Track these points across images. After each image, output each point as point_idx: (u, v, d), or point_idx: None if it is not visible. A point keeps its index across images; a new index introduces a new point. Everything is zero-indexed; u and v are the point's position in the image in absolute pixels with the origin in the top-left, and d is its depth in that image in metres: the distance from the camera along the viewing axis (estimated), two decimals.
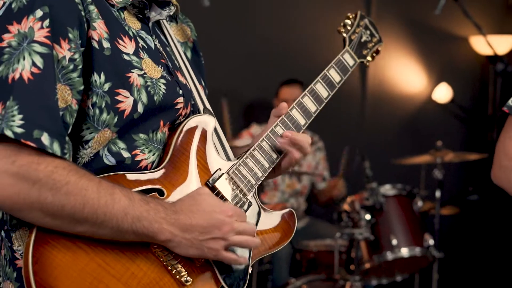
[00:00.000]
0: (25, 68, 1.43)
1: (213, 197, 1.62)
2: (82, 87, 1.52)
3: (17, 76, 1.43)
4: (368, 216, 4.37)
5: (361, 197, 4.50)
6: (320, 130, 5.24)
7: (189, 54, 1.96)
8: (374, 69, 6.10)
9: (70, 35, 1.50)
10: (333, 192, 5.07)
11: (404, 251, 4.37)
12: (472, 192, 5.32)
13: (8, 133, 1.39)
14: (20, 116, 1.40)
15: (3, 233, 1.60)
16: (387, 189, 4.54)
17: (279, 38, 5.67)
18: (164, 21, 1.84)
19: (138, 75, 1.60)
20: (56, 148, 1.44)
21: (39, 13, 1.47)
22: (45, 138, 1.42)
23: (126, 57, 1.60)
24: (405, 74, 6.36)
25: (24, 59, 1.44)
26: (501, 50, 6.27)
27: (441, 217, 4.93)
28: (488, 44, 5.20)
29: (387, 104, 6.28)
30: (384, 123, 6.24)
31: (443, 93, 6.35)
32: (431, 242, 4.41)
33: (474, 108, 6.73)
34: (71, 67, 1.50)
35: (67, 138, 1.48)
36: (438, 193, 4.81)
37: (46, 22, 1.47)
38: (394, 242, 4.36)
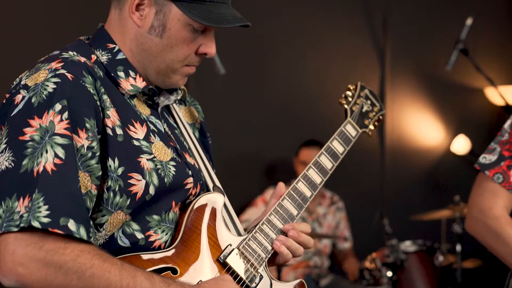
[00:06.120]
0: (48, 160, 1.51)
1: (234, 284, 1.70)
2: (100, 173, 1.60)
3: (41, 169, 1.51)
4: (389, 273, 4.42)
5: (382, 254, 4.53)
6: (339, 188, 5.27)
7: (197, 134, 2.02)
8: (391, 124, 6.13)
9: (87, 125, 1.59)
10: (345, 267, 5.13)
11: None
12: None
13: (35, 224, 1.47)
14: (46, 206, 1.48)
15: None
16: (408, 246, 4.57)
17: (297, 99, 5.73)
18: (174, 104, 1.93)
19: (147, 159, 1.67)
20: (83, 233, 1.51)
21: (58, 106, 1.56)
22: (71, 224, 1.50)
23: (136, 143, 1.67)
24: (422, 127, 6.39)
25: (47, 152, 1.52)
26: None
27: (463, 271, 4.91)
28: (500, 95, 5.26)
29: (406, 158, 6.29)
30: (403, 178, 6.23)
31: (461, 145, 6.36)
32: None
33: None
34: (90, 154, 1.58)
35: (91, 222, 1.55)
36: (458, 247, 4.81)
37: (65, 115, 1.56)
38: None
